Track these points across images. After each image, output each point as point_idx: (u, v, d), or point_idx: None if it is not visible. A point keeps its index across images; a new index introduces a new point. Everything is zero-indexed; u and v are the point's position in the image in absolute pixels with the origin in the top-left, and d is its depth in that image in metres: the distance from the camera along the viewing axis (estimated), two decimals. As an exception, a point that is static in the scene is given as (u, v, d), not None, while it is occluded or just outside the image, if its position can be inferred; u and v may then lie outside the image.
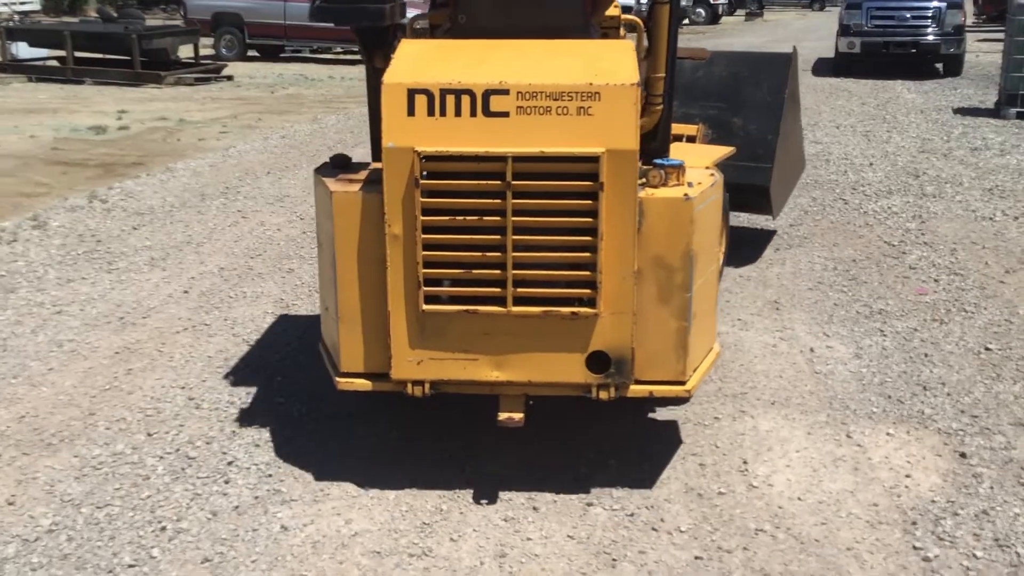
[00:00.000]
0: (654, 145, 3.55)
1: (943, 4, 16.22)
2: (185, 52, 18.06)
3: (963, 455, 3.56)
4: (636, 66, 3.16)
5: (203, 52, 18.68)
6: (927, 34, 16.28)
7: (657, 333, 3.22)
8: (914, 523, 3.13)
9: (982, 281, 5.54)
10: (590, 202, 3.03)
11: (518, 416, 3.27)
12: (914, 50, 16.14)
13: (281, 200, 7.78)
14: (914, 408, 3.94)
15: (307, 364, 4.42)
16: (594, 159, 2.99)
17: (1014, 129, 10.92)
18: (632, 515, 3.20)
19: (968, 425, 3.79)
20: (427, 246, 3.09)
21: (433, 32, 3.95)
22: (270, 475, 3.46)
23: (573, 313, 3.13)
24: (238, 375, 4.33)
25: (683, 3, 36.08)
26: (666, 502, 3.28)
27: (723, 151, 4.92)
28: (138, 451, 3.64)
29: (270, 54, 21.89)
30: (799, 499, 3.28)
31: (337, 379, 3.38)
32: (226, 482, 3.41)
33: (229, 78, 17.15)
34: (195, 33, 18.15)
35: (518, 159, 3.00)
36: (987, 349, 4.54)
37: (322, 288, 3.61)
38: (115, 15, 19.59)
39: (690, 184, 3.23)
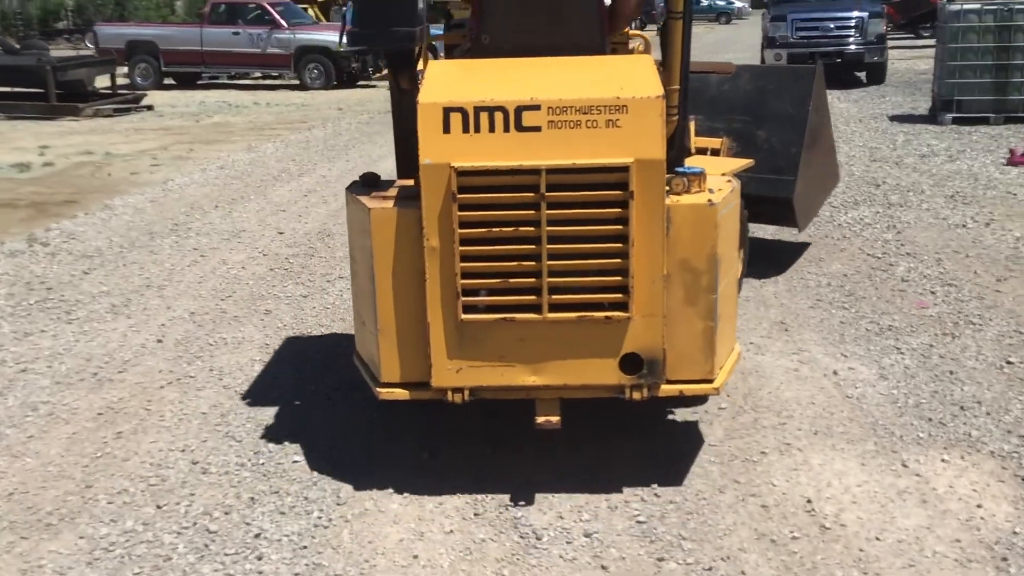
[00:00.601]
0: (671, 154, 3.56)
1: (865, 14, 16.56)
2: (100, 82, 17.40)
3: (1026, 479, 3.44)
4: (658, 80, 3.29)
5: (118, 82, 18.04)
6: (851, 44, 16.59)
7: (686, 334, 3.35)
8: (1004, 559, 2.98)
9: (978, 291, 5.49)
10: (621, 210, 3.16)
11: (555, 419, 3.38)
12: (839, 60, 16.41)
13: (237, 235, 7.40)
14: (959, 431, 3.82)
15: (311, 417, 4.12)
16: (624, 169, 3.12)
17: (953, 135, 11.11)
18: (710, 569, 2.98)
19: (1020, 446, 3.68)
20: (465, 258, 3.20)
21: (449, 52, 4.08)
22: (305, 547, 3.15)
23: (607, 317, 3.25)
24: (240, 433, 3.99)
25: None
26: (741, 552, 3.07)
27: (740, 163, 5.00)
28: (151, 527, 3.29)
29: (187, 81, 21.28)
30: (877, 539, 3.11)
31: (378, 390, 3.47)
32: (259, 558, 3.09)
33: (149, 108, 16.56)
34: (112, 63, 17.52)
35: (551, 171, 3.12)
36: (1008, 363, 4.46)
37: (357, 303, 3.72)
38: (17, 46, 18.79)
39: (711, 191, 3.36)
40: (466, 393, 3.38)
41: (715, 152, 5.53)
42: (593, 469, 3.60)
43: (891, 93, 15.42)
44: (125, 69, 20.01)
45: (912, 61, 20.90)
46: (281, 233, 7.46)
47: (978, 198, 7.86)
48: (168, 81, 20.91)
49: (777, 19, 17.12)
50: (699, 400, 4.03)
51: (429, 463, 3.70)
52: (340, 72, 20.33)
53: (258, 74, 22.17)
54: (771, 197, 5.64)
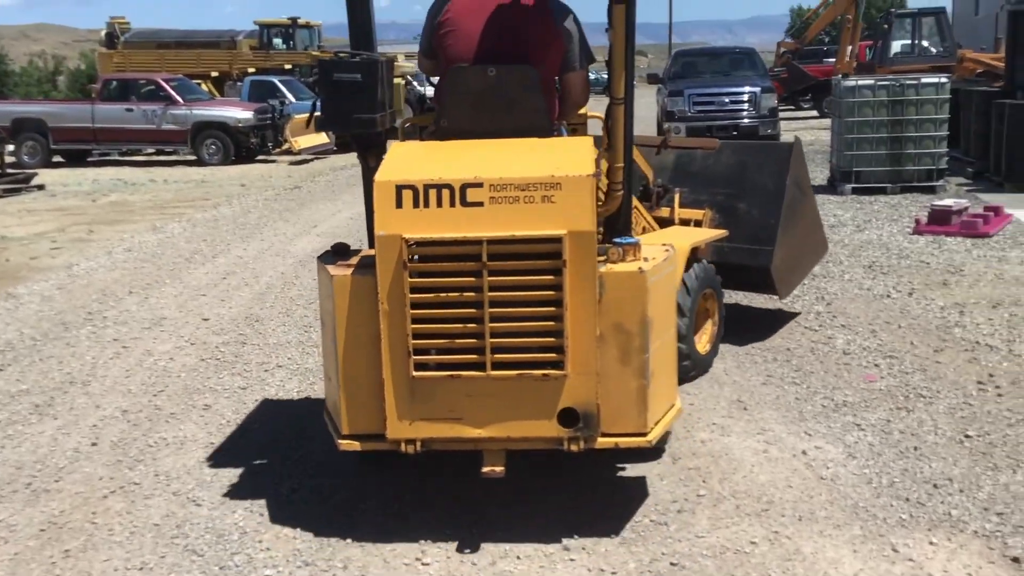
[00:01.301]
0: (618, 226, 4.07)
1: (757, 89, 17.23)
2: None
3: (1015, 560, 3.46)
4: (592, 160, 3.62)
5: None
6: (745, 117, 17.20)
7: (620, 391, 3.60)
8: (1018, 645, 2.96)
9: (919, 363, 5.61)
10: (555, 277, 3.46)
11: (499, 469, 3.64)
12: (735, 132, 16.97)
13: (159, 323, 7.07)
14: (938, 510, 3.83)
15: (275, 522, 3.87)
16: (557, 240, 3.44)
17: (856, 204, 11.54)
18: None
19: (1000, 525, 3.70)
20: (415, 320, 3.51)
21: (420, 132, 4.41)
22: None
23: (544, 375, 3.53)
24: (201, 545, 3.72)
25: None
26: (756, 652, 2.97)
27: (713, 233, 5.47)
28: (120, 662, 3.00)
29: (77, 159, 20.61)
30: (889, 631, 3.06)
31: (339, 441, 3.76)
32: None
33: (40, 187, 15.96)
34: (1, 141, 16.82)
35: (491, 242, 3.44)
36: (967, 436, 4.53)
37: (325, 361, 4.06)
38: None
39: (645, 259, 3.67)
40: (418, 444, 3.64)
41: (698, 223, 5.88)
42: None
43: (787, 164, 15.93)
44: (11, 147, 19.26)
45: (799, 132, 21.77)
46: (206, 320, 7.17)
47: (895, 267, 8.11)
48: (56, 159, 20.22)
49: (675, 94, 17.65)
50: (653, 454, 4.30)
51: (412, 565, 3.51)
52: (239, 147, 20.01)
53: (151, 150, 21.65)
54: (751, 266, 5.96)
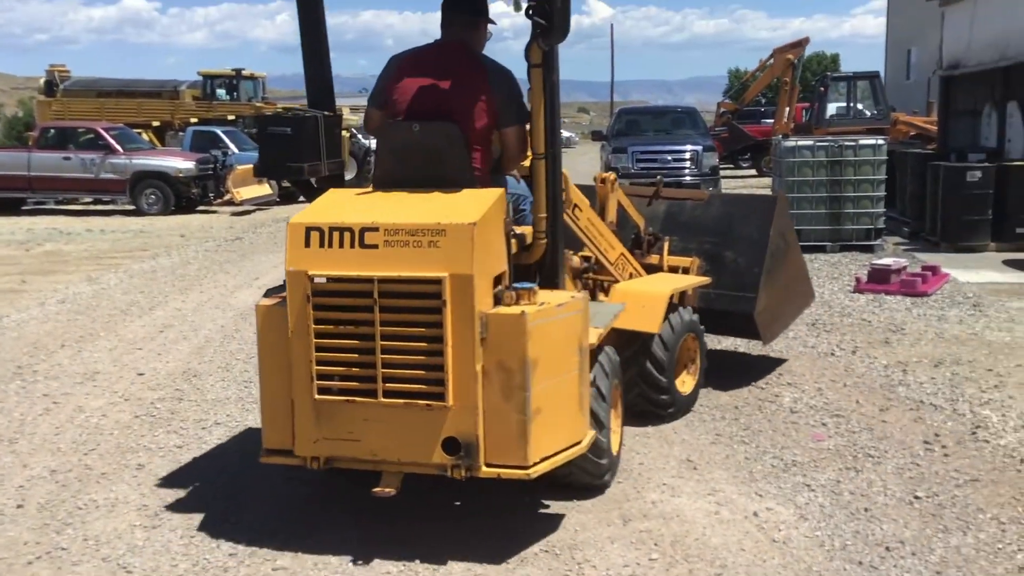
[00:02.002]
0: (544, 272, 4.36)
1: (699, 147, 17.48)
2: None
3: (971, 624, 3.42)
4: (484, 210, 3.87)
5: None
6: (687, 175, 17.39)
7: (502, 424, 3.83)
8: None
9: (866, 422, 5.62)
10: (437, 316, 3.76)
11: (390, 490, 3.95)
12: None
13: (92, 378, 6.83)
14: (891, 574, 3.79)
15: (214, 591, 3.69)
16: (439, 281, 3.75)
17: (797, 262, 11.65)
18: None
19: (954, 587, 3.68)
20: (318, 348, 3.89)
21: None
22: None
23: (428, 405, 3.82)
24: (131, 616, 3.53)
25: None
26: None
27: (696, 280, 5.92)
28: None
29: (10, 207, 20.12)
30: None
31: (263, 458, 4.15)
32: None
33: (-29, 236, 15.49)
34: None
35: (382, 281, 3.80)
36: (916, 497, 4.52)
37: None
38: None
39: (540, 304, 3.92)
40: (321, 461, 4.02)
41: (686, 270, 6.19)
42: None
43: (729, 221, 16.14)
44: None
45: (739, 191, 22.12)
46: (141, 375, 6.94)
47: (838, 325, 8.19)
48: (-11, 207, 19.73)
49: (618, 151, 17.83)
50: (595, 491, 4.53)
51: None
52: (179, 197, 19.72)
53: (88, 200, 21.24)
54: (736, 312, 6.25)
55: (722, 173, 20.64)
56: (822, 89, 24.94)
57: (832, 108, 25.04)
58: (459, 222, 3.78)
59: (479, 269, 3.78)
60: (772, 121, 27.31)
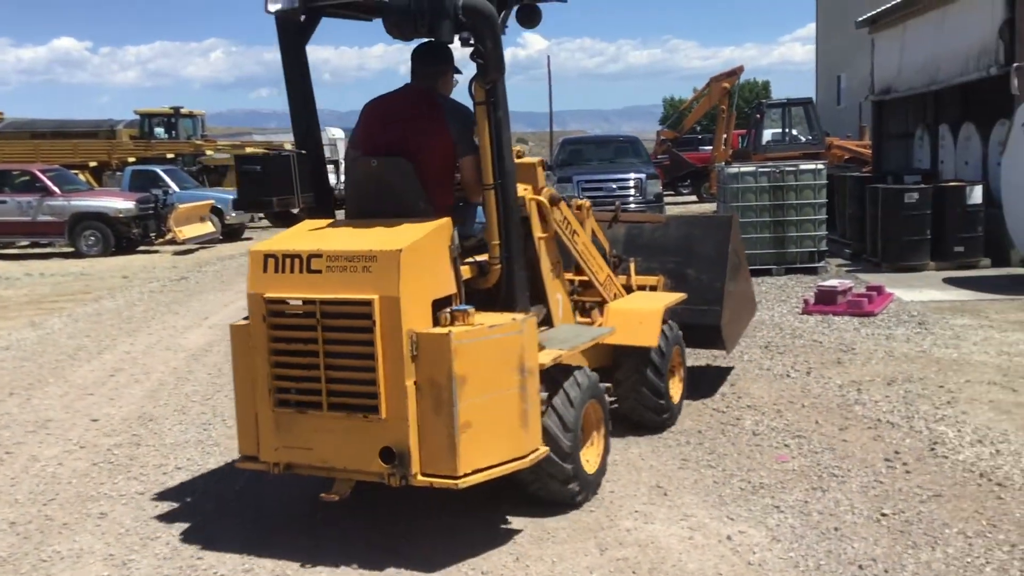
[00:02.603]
0: (501, 296, 4.59)
1: (643, 175, 17.70)
2: None
3: (948, 637, 3.48)
4: (416, 238, 4.19)
5: None
6: (631, 202, 17.57)
7: (434, 436, 4.10)
8: None
9: (827, 442, 5.71)
10: (369, 335, 4.08)
11: (335, 496, 4.32)
12: (623, 218, 17.31)
13: (44, 426, 6.67)
14: (867, 590, 3.85)
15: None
16: (368, 303, 4.08)
17: (745, 286, 11.83)
18: None
19: (928, 602, 3.74)
20: (274, 364, 4.30)
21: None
22: None
23: (365, 416, 4.14)
24: (107, 670, 3.44)
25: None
26: None
27: (678, 297, 6.30)
28: None
29: (-57, 252, 19.62)
30: None
31: (236, 463, 4.61)
32: None
33: (-95, 282, 15.05)
34: None
35: (323, 302, 4.17)
36: (883, 515, 4.59)
37: None
38: None
39: (474, 325, 4.19)
40: (282, 467, 4.39)
41: (653, 288, 6.54)
42: None
43: (675, 248, 16.34)
44: None
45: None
46: (95, 421, 6.79)
47: (790, 347, 8.32)
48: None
49: (563, 180, 17.96)
50: (565, 509, 4.71)
51: None
52: (119, 238, 19.40)
53: (25, 243, 20.80)
54: (701, 325, 6.63)
55: (664, 200, 20.94)
56: (758, 116, 25.46)
57: (768, 134, 25.58)
58: (388, 249, 4.11)
59: (407, 292, 4.08)
60: (710, 148, 27.81)
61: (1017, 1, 12.43)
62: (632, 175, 17.79)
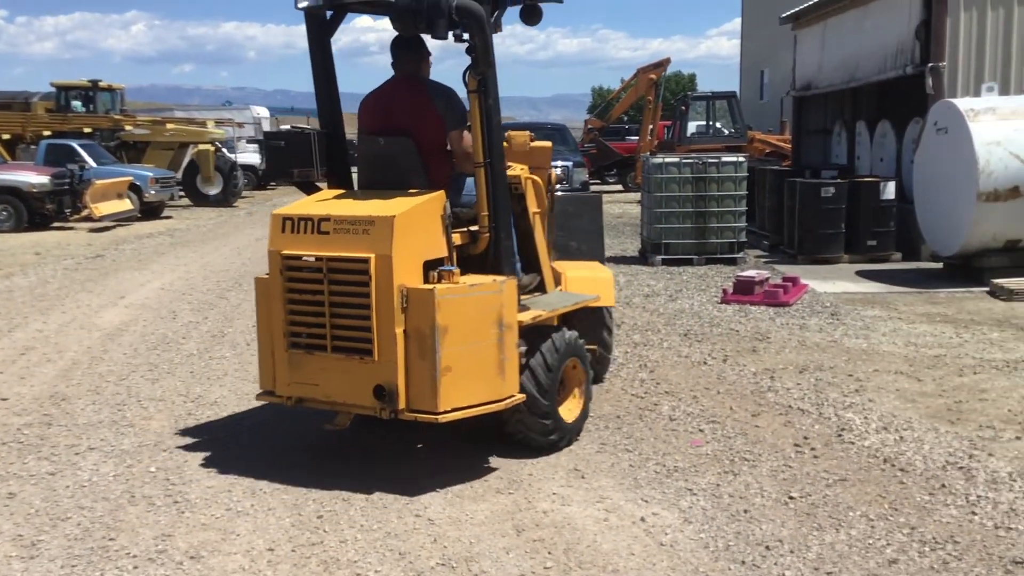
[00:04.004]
0: (489, 260, 5.19)
1: (569, 163, 17.82)
2: None
3: (848, 614, 3.61)
4: (410, 206, 4.86)
5: None
6: (559, 190, 17.66)
7: (419, 377, 4.77)
8: None
9: (740, 427, 5.86)
10: (365, 288, 4.77)
11: (340, 425, 5.18)
12: (550, 204, 17.42)
13: (-50, 404, 6.47)
14: (773, 572, 3.97)
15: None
16: (366, 261, 4.76)
17: (666, 275, 12.05)
18: None
19: (831, 582, 3.88)
20: (288, 311, 5.02)
21: None
22: None
23: (361, 358, 4.82)
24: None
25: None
26: None
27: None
28: None
29: None
30: None
31: (257, 397, 5.38)
32: None
33: None
34: None
35: (329, 259, 4.88)
36: (791, 498, 4.74)
37: None
38: None
39: (455, 283, 4.83)
40: (294, 400, 5.10)
41: None
42: None
43: (599, 236, 16.51)
44: None
45: (607, 206, 22.63)
46: (4, 400, 6.63)
47: (708, 335, 8.50)
48: None
49: (490, 166, 18.00)
50: (543, 452, 5.34)
51: None
52: (32, 213, 18.85)
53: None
54: None
55: (591, 189, 21.13)
56: (683, 108, 25.82)
57: (692, 126, 25.97)
58: (384, 215, 4.77)
59: (399, 252, 4.72)
60: (637, 138, 28.10)
61: (934, 3, 12.80)
62: (559, 163, 17.83)
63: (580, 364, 5.64)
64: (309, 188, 5.57)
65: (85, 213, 19.30)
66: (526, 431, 5.28)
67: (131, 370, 7.48)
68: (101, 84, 27.24)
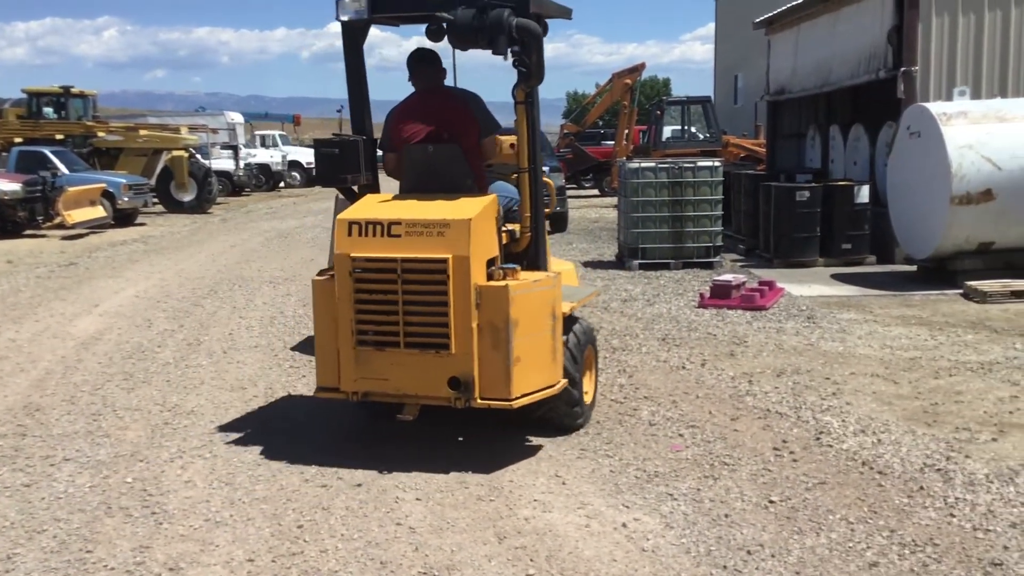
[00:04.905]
0: (529, 257, 5.64)
1: (546, 168, 17.70)
2: None
3: (829, 618, 3.63)
4: (479, 210, 5.20)
5: None
6: (534, 195, 17.69)
7: (492, 368, 5.13)
8: None
9: (719, 431, 5.88)
10: (443, 286, 5.08)
11: (410, 416, 5.37)
12: (526, 209, 17.41)
13: (-79, 416, 6.38)
14: None
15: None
16: (444, 261, 5.08)
17: (644, 279, 12.08)
18: None
19: (811, 586, 3.89)
20: (357, 311, 5.25)
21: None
22: None
23: (437, 352, 5.13)
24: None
25: (280, 168, 36.49)
26: None
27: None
28: None
29: None
30: None
31: (316, 393, 5.60)
32: None
33: None
34: None
35: (404, 260, 5.14)
36: (771, 502, 4.76)
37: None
38: None
39: (521, 279, 5.23)
40: (360, 395, 5.36)
41: None
42: None
43: (576, 240, 16.58)
44: None
45: (584, 210, 22.72)
46: (-23, 410, 6.54)
47: (686, 340, 8.52)
48: None
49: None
50: (569, 431, 5.80)
51: None
52: (4, 221, 18.64)
53: (-98, 223, 19.77)
54: None
55: (567, 193, 21.16)
56: (658, 113, 25.91)
57: (668, 131, 26.06)
58: (459, 218, 5.11)
59: (474, 252, 5.08)
60: (612, 143, 28.17)
61: (905, 8, 12.93)
62: (535, 167, 17.89)
63: (593, 350, 6.17)
64: (352, 193, 5.88)
65: (58, 220, 19.10)
66: (559, 415, 5.70)
67: (106, 379, 7.40)
68: (73, 90, 26.98)
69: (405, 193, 5.72)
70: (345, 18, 5.65)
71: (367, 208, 5.44)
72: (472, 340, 5.05)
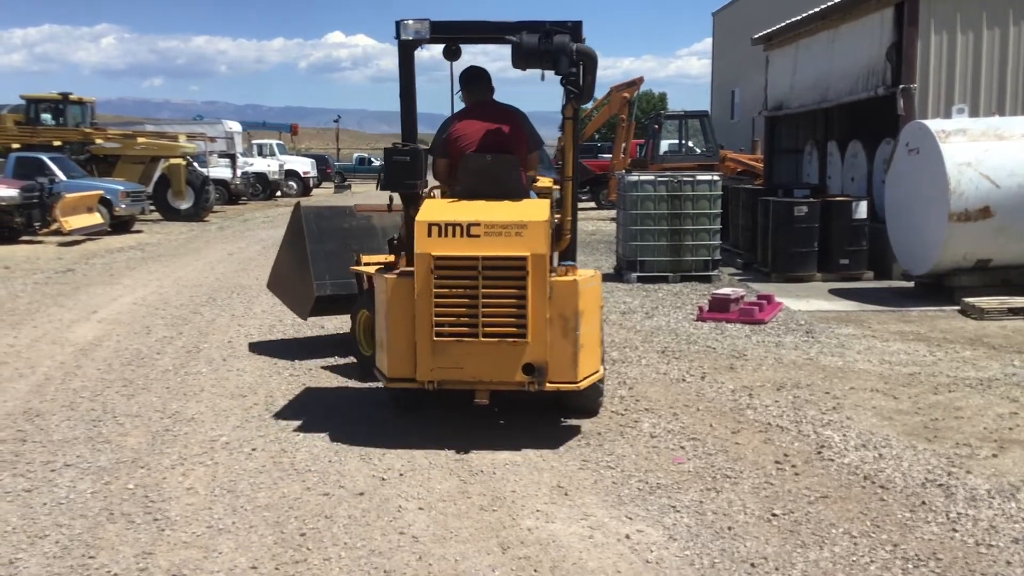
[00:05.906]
0: (568, 254, 6.22)
1: (544, 180, 17.81)
2: None
3: (834, 631, 3.63)
4: (547, 212, 5.86)
5: None
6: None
7: (561, 355, 5.69)
8: None
9: (720, 444, 5.89)
10: (522, 281, 5.60)
11: (485, 401, 5.82)
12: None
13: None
14: (759, 587, 3.98)
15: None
16: (523, 259, 5.59)
17: (642, 292, 12.10)
18: None
19: (816, 598, 3.89)
20: (437, 305, 5.65)
21: (443, 194, 6.48)
22: None
23: (514, 341, 5.64)
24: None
25: (276, 177, 36.55)
26: None
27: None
28: None
29: None
30: None
31: (387, 384, 6.01)
32: None
33: None
34: None
35: (485, 259, 5.60)
36: (774, 515, 4.76)
37: (377, 331, 6.13)
38: None
39: (579, 275, 5.84)
40: (436, 384, 5.75)
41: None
42: None
43: (573, 253, 16.56)
44: None
45: (581, 223, 22.65)
46: (-23, 415, 6.52)
47: (685, 352, 8.53)
48: None
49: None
50: (573, 394, 6.05)
51: None
52: (1, 227, 18.62)
53: (-101, 229, 19.73)
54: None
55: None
56: (656, 127, 25.97)
57: (665, 145, 26.12)
58: (535, 220, 5.65)
59: (548, 251, 5.65)
60: (610, 156, 28.23)
61: (905, 26, 13.00)
62: (533, 180, 17.94)
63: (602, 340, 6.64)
64: (415, 199, 6.27)
65: (55, 227, 19.10)
66: (591, 399, 6.27)
67: (106, 386, 7.39)
68: (72, 97, 27.01)
69: (461, 197, 6.09)
70: (407, 39, 6.12)
71: (442, 211, 5.83)
72: (545, 330, 5.58)
